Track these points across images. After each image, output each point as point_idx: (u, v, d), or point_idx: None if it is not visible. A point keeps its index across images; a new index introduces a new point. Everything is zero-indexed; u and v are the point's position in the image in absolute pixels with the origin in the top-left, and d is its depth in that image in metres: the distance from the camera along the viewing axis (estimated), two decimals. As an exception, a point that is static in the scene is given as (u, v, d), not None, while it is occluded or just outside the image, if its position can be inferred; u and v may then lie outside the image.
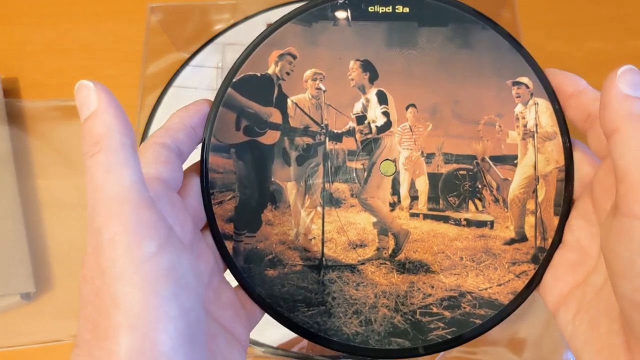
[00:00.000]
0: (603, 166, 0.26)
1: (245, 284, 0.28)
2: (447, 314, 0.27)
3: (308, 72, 0.28)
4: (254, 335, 0.39)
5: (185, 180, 0.27)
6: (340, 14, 0.28)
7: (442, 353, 0.39)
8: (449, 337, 0.27)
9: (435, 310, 0.27)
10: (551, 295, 0.27)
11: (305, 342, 0.39)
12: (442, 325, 0.27)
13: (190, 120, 0.27)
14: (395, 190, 0.29)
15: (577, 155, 0.28)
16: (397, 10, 0.28)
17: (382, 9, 0.28)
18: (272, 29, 0.28)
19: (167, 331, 0.20)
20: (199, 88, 0.47)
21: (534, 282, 0.27)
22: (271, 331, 0.39)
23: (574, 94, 0.27)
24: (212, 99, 0.28)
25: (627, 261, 0.21)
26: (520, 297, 0.27)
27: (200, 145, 0.28)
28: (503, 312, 0.27)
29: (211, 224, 0.27)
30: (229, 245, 0.28)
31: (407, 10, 0.28)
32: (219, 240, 0.27)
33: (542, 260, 0.27)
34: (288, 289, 0.27)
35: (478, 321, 0.27)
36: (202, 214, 0.28)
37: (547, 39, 0.51)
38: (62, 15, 0.52)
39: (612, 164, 0.24)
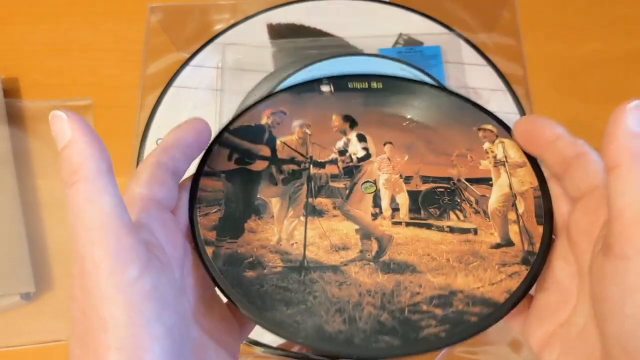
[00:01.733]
0: (580, 207, 0.26)
1: (221, 285, 0.27)
2: (438, 311, 0.26)
3: (296, 122, 0.31)
4: (254, 335, 0.39)
5: (180, 195, 0.28)
6: (325, 88, 0.32)
7: (441, 353, 0.39)
8: (443, 335, 0.26)
9: (425, 308, 0.26)
10: (535, 337, 0.27)
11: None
12: (434, 322, 0.26)
13: (185, 138, 0.28)
14: (376, 204, 0.30)
15: (554, 191, 0.28)
16: (372, 87, 0.33)
17: (360, 85, 0.33)
18: (264, 97, 0.32)
19: (154, 351, 0.21)
20: (199, 88, 0.47)
21: (529, 281, 0.27)
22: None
23: (549, 139, 0.27)
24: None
25: (618, 302, 0.21)
26: (516, 295, 0.26)
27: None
28: (500, 310, 0.26)
29: (192, 227, 0.28)
30: (210, 250, 0.28)
31: (380, 85, 0.33)
32: (196, 241, 0.28)
33: (534, 261, 0.27)
34: (267, 288, 0.27)
35: (474, 319, 0.26)
36: None
37: (547, 39, 0.51)
38: (62, 15, 0.52)
39: (589, 204, 0.25)
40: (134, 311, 0.21)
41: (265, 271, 0.27)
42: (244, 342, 0.39)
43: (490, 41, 0.49)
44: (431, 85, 0.33)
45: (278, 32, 0.49)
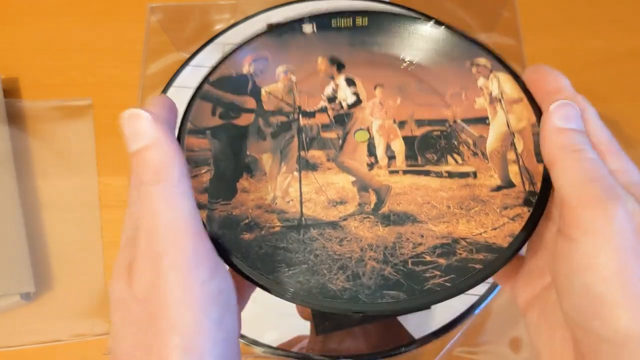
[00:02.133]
0: None
1: (219, 251, 0.26)
2: (442, 261, 0.26)
3: (280, 68, 0.30)
4: (254, 335, 0.39)
5: None
6: (307, 28, 0.31)
7: (442, 352, 0.39)
8: (449, 285, 0.25)
9: (428, 258, 0.26)
10: (521, 298, 0.28)
11: (305, 342, 0.39)
12: (439, 273, 0.25)
13: (166, 115, 0.27)
14: (371, 153, 0.29)
15: None
16: (357, 24, 0.31)
17: (344, 23, 0.31)
18: (245, 40, 0.31)
19: (214, 354, 0.21)
20: (198, 88, 0.47)
21: (532, 222, 0.26)
22: (271, 331, 0.39)
23: (551, 92, 0.27)
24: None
25: (567, 280, 0.23)
26: (520, 238, 0.26)
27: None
28: (504, 255, 0.26)
29: None
30: (203, 214, 0.27)
31: (366, 22, 0.31)
32: None
33: (536, 202, 0.26)
34: (266, 250, 0.26)
35: (478, 266, 0.25)
36: None
37: (547, 39, 0.51)
38: (62, 15, 0.52)
39: None
40: (201, 313, 0.21)
41: (262, 232, 0.27)
42: (244, 342, 0.39)
43: (490, 41, 0.49)
44: (417, 19, 0.31)
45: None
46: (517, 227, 0.26)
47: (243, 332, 0.39)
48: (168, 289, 0.21)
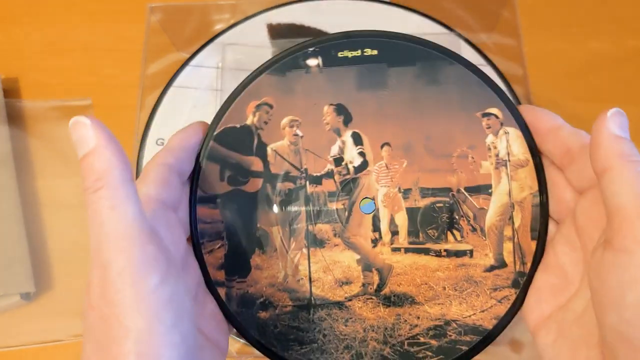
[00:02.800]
0: (589, 196, 0.26)
1: (240, 328, 0.29)
2: (434, 342, 0.28)
3: (285, 120, 0.30)
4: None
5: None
6: (312, 62, 0.30)
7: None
8: None
9: (422, 340, 0.28)
10: (532, 316, 0.28)
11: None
12: (430, 354, 0.28)
13: (189, 141, 0.28)
14: (376, 227, 0.30)
15: (559, 181, 0.29)
16: (365, 54, 0.30)
17: (352, 54, 0.30)
18: (248, 80, 0.30)
19: (171, 358, 0.22)
20: (199, 88, 0.47)
21: (516, 306, 0.28)
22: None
23: (551, 129, 0.28)
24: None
25: (617, 293, 0.22)
26: (504, 321, 0.28)
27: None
28: (488, 337, 0.28)
29: (205, 275, 0.29)
30: (222, 291, 0.29)
31: (375, 52, 0.29)
32: (214, 290, 0.29)
33: (523, 284, 0.28)
34: (281, 329, 0.29)
35: (464, 347, 0.28)
36: (188, 224, 0.29)
37: (547, 39, 0.51)
38: (62, 15, 0.52)
39: (597, 196, 0.25)
40: (154, 319, 0.21)
41: (277, 311, 0.29)
42: (244, 342, 0.39)
43: (490, 41, 0.48)
44: (432, 49, 0.30)
45: (278, 32, 0.49)
46: (502, 309, 0.28)
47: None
48: (118, 298, 0.21)
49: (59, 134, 0.47)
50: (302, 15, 0.50)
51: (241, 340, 0.40)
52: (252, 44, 0.48)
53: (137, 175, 0.41)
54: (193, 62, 0.48)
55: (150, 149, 0.44)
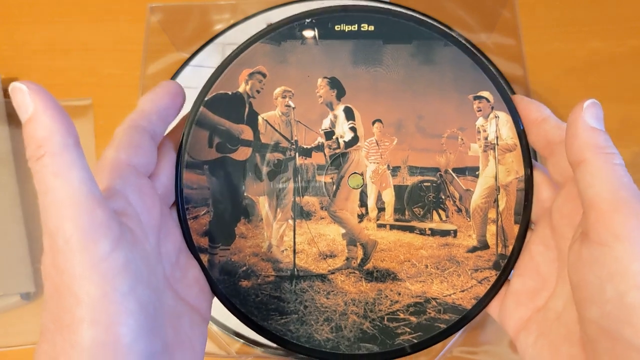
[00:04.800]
0: (562, 193, 0.27)
1: (220, 296, 0.29)
2: (413, 319, 0.29)
3: (278, 90, 0.29)
4: (254, 335, 0.39)
5: (160, 156, 0.28)
6: (308, 33, 0.29)
7: (443, 351, 0.39)
8: (415, 341, 0.28)
9: (402, 316, 0.29)
10: (512, 321, 0.28)
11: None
12: (409, 330, 0.28)
13: (160, 102, 0.27)
14: (363, 203, 0.30)
15: (538, 178, 0.29)
16: (362, 29, 0.29)
17: (348, 28, 0.29)
18: (242, 47, 0.29)
19: (128, 324, 0.21)
20: (199, 88, 0.47)
21: (496, 288, 0.29)
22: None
23: (536, 121, 0.28)
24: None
25: (597, 287, 0.22)
26: (483, 302, 0.29)
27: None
28: (466, 317, 0.29)
29: (188, 240, 0.29)
30: (205, 258, 0.29)
31: (372, 28, 0.29)
32: (196, 256, 0.29)
33: (504, 265, 0.29)
34: (262, 298, 0.29)
35: (443, 325, 0.28)
36: (173, 192, 0.28)
37: (547, 39, 0.51)
38: (62, 15, 0.52)
39: (572, 191, 0.26)
40: (107, 286, 0.21)
41: (259, 281, 0.29)
42: (244, 342, 0.39)
43: (490, 41, 0.48)
44: (429, 29, 0.29)
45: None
46: (482, 290, 0.29)
47: (243, 332, 0.39)
48: (68, 266, 0.20)
49: (59, 134, 0.47)
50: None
51: (240, 340, 0.40)
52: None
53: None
54: (193, 62, 0.48)
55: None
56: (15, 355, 0.42)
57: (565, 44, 0.51)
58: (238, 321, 0.29)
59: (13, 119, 0.47)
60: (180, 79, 0.47)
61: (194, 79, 0.48)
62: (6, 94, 0.48)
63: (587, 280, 0.23)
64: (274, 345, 0.37)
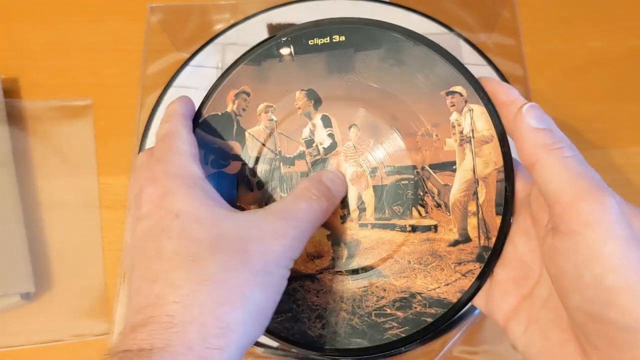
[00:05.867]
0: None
1: None
2: (400, 314, 0.29)
3: (261, 106, 0.31)
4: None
5: None
6: (285, 51, 0.31)
7: (443, 351, 0.39)
8: (403, 335, 0.29)
9: (389, 311, 0.30)
10: (501, 311, 0.28)
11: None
12: (396, 324, 0.29)
13: (185, 108, 0.30)
14: (344, 204, 0.31)
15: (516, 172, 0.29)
16: (334, 40, 0.31)
17: (321, 41, 0.31)
18: (226, 71, 0.32)
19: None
20: (199, 88, 0.47)
21: (482, 280, 0.29)
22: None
23: (504, 103, 0.28)
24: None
25: (575, 275, 0.23)
26: (468, 294, 0.29)
27: None
28: (452, 310, 0.29)
29: None
30: None
31: (343, 38, 0.31)
32: None
33: (488, 257, 0.29)
34: None
35: (429, 319, 0.29)
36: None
37: (547, 39, 0.51)
38: (62, 15, 0.52)
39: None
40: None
41: None
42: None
43: (490, 41, 0.49)
44: (395, 32, 0.30)
45: (278, 32, 0.49)
46: (467, 283, 0.29)
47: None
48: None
49: (59, 134, 0.47)
50: (302, 16, 0.50)
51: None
52: (252, 44, 0.48)
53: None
54: (193, 62, 0.48)
55: (150, 149, 0.44)
56: (15, 355, 0.42)
57: (565, 44, 0.51)
58: None
59: (13, 119, 0.47)
60: (180, 79, 0.47)
61: (194, 79, 0.48)
62: (6, 94, 0.48)
63: (564, 270, 0.23)
64: (274, 345, 0.38)
